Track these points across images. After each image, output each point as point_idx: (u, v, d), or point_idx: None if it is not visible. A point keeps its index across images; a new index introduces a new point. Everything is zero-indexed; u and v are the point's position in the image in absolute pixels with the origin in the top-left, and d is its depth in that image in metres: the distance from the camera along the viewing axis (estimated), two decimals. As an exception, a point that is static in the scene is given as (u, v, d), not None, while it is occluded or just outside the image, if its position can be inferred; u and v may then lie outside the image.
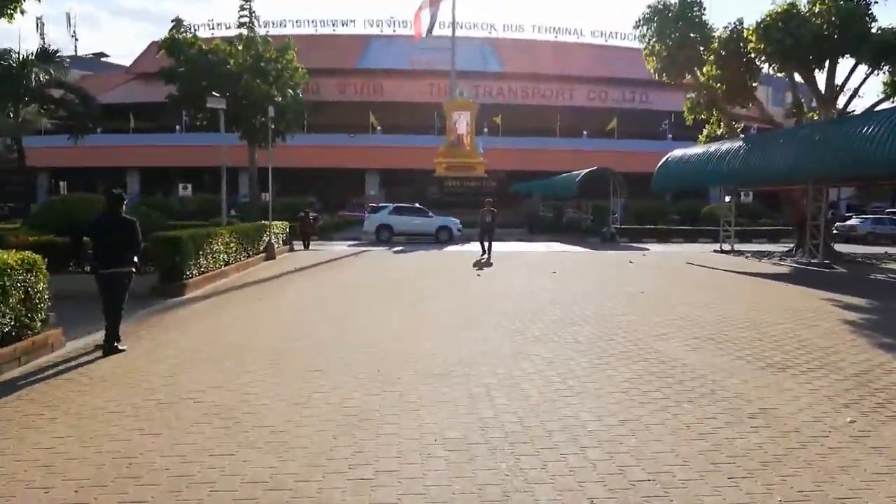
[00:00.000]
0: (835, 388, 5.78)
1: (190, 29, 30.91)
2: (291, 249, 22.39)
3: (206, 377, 5.95)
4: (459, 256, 19.95)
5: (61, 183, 41.71)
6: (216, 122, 17.01)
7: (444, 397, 5.36)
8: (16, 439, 4.36)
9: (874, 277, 16.22)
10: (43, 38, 62.56)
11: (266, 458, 4.04)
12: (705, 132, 24.89)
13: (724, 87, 22.20)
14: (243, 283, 13.39)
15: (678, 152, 24.22)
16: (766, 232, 33.16)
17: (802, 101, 22.80)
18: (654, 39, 23.00)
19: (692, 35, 22.39)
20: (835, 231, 27.39)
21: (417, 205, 30.14)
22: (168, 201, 40.98)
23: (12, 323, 6.32)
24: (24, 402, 5.21)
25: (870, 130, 14.07)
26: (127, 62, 59.23)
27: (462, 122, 39.39)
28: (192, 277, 11.88)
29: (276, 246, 19.82)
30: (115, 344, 6.98)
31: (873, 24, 19.44)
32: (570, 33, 58.51)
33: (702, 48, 22.46)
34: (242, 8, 31.03)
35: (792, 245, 23.14)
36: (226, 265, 14.18)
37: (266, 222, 19.69)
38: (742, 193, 31.79)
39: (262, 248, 18.20)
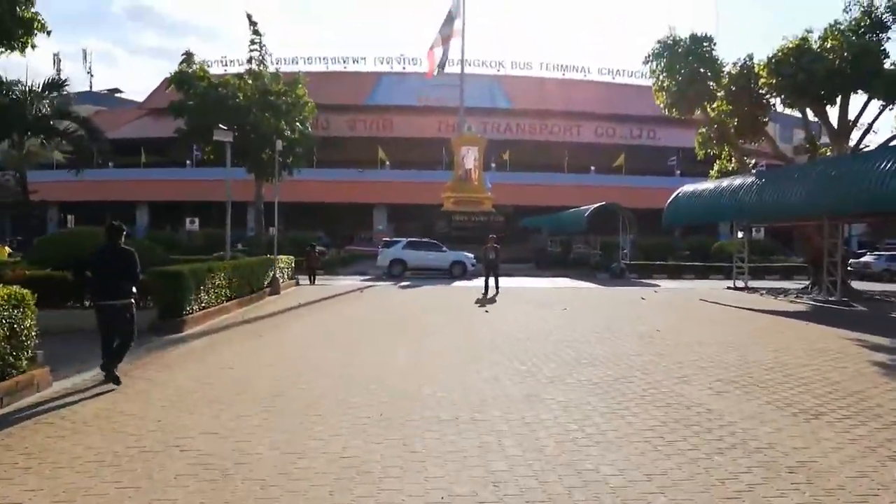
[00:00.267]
0: (875, 437, 5.32)
1: (201, 63, 31.21)
2: (297, 284, 22.07)
3: (198, 422, 5.55)
4: (466, 292, 19.56)
5: (69, 217, 41.75)
6: (223, 155, 16.86)
7: (451, 446, 4.93)
8: (-19, 493, 3.97)
9: (896, 316, 15.69)
10: (59, 74, 63.64)
11: (254, 518, 3.63)
12: (716, 167, 24.61)
13: (736, 122, 22.00)
14: (245, 319, 13.03)
15: (689, 187, 23.92)
16: (779, 269, 32.57)
17: (814, 135, 22.55)
18: (664, 75, 22.89)
19: (702, 70, 22.27)
20: (849, 268, 26.85)
21: (429, 239, 29.87)
22: (175, 235, 40.94)
23: (-5, 361, 5.97)
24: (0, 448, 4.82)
25: (889, 166, 13.74)
26: (142, 99, 60.03)
27: (470, 157, 39.38)
28: (192, 313, 11.53)
29: (282, 280, 19.51)
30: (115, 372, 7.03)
31: (886, 60, 19.28)
32: (577, 70, 59.03)
33: (712, 84, 22.34)
34: (253, 42, 31.37)
35: (807, 282, 22.62)
36: (228, 300, 13.84)
37: (271, 256, 19.42)
38: (754, 229, 31.35)
39: (266, 283, 17.88)
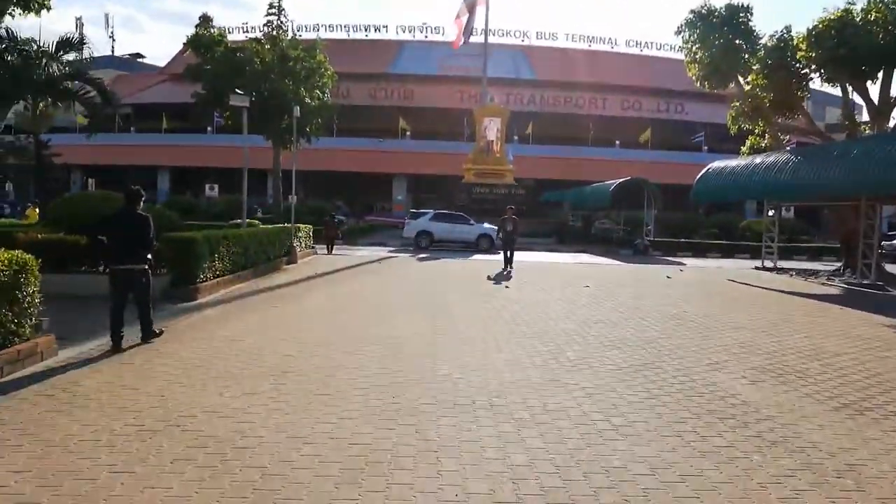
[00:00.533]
0: (929, 439, 4.89)
1: (220, 28, 30.74)
2: (315, 253, 21.87)
3: (201, 399, 5.28)
4: (486, 265, 19.17)
5: (90, 180, 41.88)
6: (241, 121, 16.52)
7: (468, 436, 4.59)
8: (-34, 473, 3.72)
9: (934, 302, 15.02)
10: (82, 38, 63.43)
11: (251, 513, 3.34)
12: (748, 143, 23.73)
13: (771, 96, 21.10)
14: (260, 288, 12.81)
15: (720, 163, 23.11)
16: (807, 249, 31.71)
17: (853, 112, 21.59)
18: (697, 46, 21.99)
19: (737, 42, 21.35)
20: (881, 251, 25.96)
21: (456, 211, 29.45)
22: (195, 201, 40.92)
23: (-6, 329, 5.74)
24: (-8, 422, 4.59)
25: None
26: (164, 64, 59.72)
27: (492, 129, 38.60)
28: (205, 281, 11.31)
29: (300, 249, 19.29)
30: (153, 329, 7.43)
31: (934, 33, 18.22)
32: (604, 42, 57.42)
33: (747, 56, 21.41)
34: (271, 6, 30.76)
35: (838, 264, 21.88)
36: (243, 269, 13.61)
37: (288, 225, 19.16)
38: (784, 208, 30.42)
39: (283, 252, 17.65)
